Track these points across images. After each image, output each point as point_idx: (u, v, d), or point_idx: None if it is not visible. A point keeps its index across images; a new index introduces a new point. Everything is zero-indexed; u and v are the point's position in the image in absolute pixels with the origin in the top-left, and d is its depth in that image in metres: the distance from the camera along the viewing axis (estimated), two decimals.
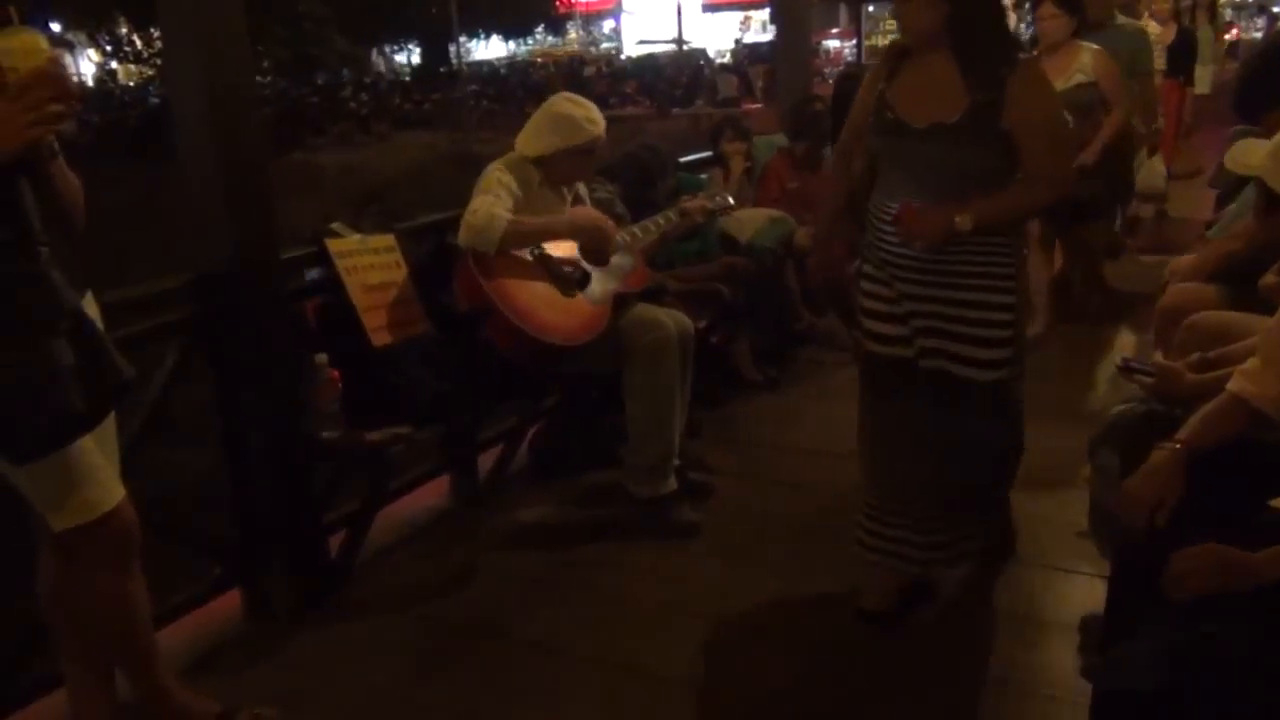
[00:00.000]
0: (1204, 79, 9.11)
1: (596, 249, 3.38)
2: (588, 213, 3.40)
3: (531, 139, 3.36)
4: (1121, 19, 5.43)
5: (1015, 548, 3.02)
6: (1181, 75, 7.58)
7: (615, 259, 3.42)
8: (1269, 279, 2.70)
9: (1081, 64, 4.64)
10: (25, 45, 1.73)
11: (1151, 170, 6.22)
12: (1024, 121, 2.46)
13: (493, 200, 3.17)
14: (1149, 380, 2.32)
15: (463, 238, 3.16)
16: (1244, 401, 1.96)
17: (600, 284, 3.36)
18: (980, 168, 2.52)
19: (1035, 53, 4.59)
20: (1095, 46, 4.71)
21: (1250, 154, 2.30)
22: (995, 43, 2.53)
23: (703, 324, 4.04)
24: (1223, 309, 2.92)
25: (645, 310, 3.41)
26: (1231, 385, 1.99)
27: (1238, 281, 3.00)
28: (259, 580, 2.98)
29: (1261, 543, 1.72)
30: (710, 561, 3.17)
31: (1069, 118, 4.38)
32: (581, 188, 3.60)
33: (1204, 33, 9.36)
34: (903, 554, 2.74)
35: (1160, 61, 6.41)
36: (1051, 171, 2.53)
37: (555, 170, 3.36)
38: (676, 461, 3.40)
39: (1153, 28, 6.48)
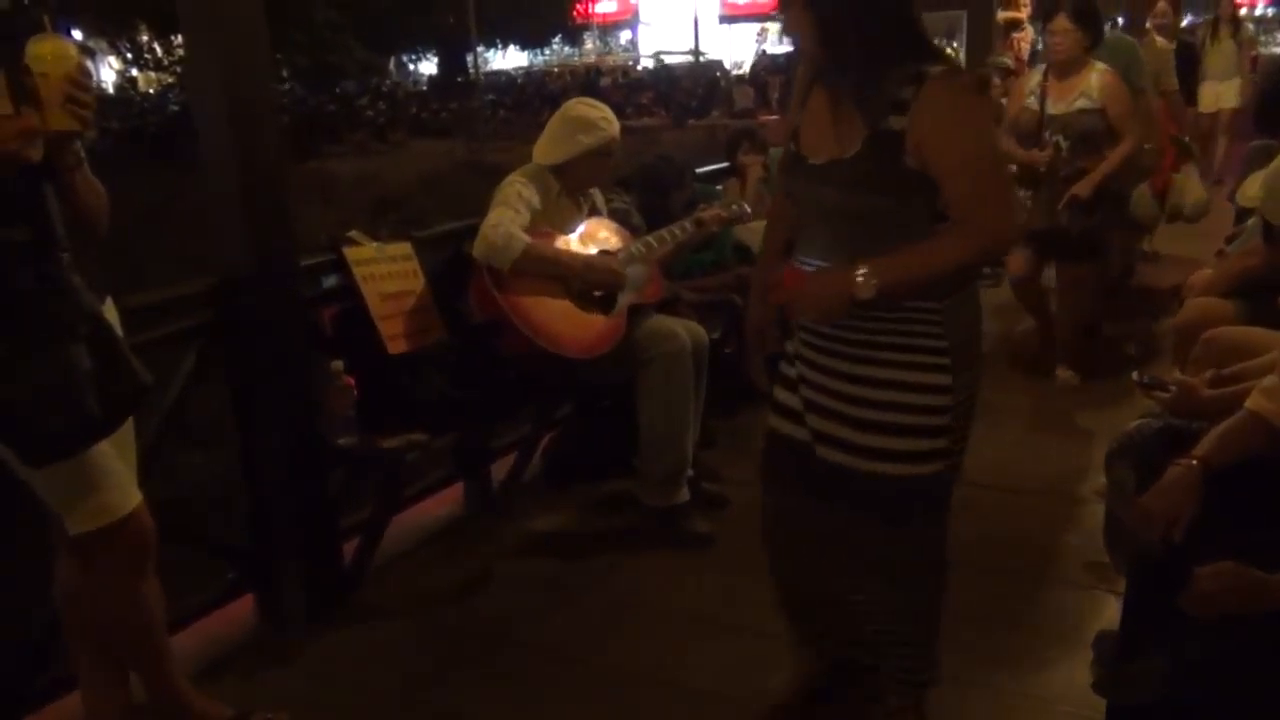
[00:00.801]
0: (1229, 94, 8.91)
1: (604, 292, 3.38)
2: (605, 261, 3.39)
3: (549, 145, 3.37)
4: (1109, 32, 5.15)
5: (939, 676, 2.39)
6: (1184, 93, 6.98)
7: (631, 270, 3.43)
8: None
9: (1088, 86, 4.29)
10: (56, 51, 1.76)
11: (1137, 199, 5.53)
12: (936, 156, 1.86)
13: (512, 216, 3.19)
14: (1166, 396, 2.32)
15: (478, 251, 3.18)
16: (1263, 419, 1.95)
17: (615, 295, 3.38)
18: (890, 216, 1.93)
19: (1045, 66, 4.48)
20: (1106, 67, 4.36)
21: (1251, 187, 2.31)
22: (887, 55, 1.92)
23: (716, 334, 4.04)
24: (1240, 324, 2.90)
25: (659, 321, 3.42)
26: (1250, 403, 1.98)
27: (1255, 297, 2.99)
28: (273, 585, 2.99)
29: (1276, 561, 1.72)
30: (722, 572, 3.16)
31: (1062, 144, 4.27)
32: (599, 199, 3.61)
33: (1227, 45, 9.14)
34: (818, 647, 2.43)
35: (1172, 78, 6.07)
36: (980, 220, 1.87)
37: (574, 175, 3.37)
38: (690, 472, 3.40)
39: (1159, 43, 6.20)
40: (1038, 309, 4.77)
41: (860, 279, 1.86)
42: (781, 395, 2.23)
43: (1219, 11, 9.52)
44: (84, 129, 1.82)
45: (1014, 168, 4.45)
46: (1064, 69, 4.34)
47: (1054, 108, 4.34)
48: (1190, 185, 5.58)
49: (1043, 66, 4.53)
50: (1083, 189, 4.24)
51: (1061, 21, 4.27)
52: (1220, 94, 9.10)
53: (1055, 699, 2.47)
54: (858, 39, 1.91)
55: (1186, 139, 5.71)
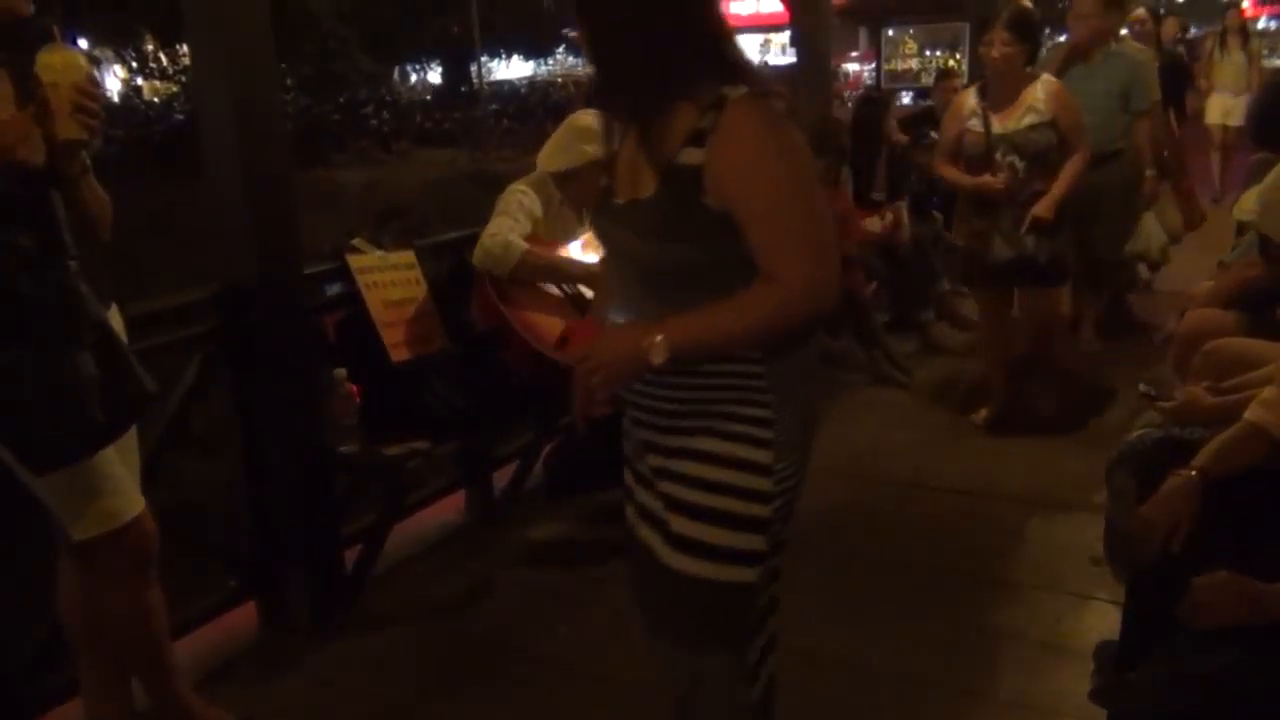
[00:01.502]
0: (1239, 110, 8.49)
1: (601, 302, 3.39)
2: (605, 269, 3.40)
3: (554, 152, 3.39)
4: (1115, 46, 4.82)
5: None
6: (1170, 108, 6.17)
7: None
8: None
9: (1033, 100, 3.94)
10: (66, 61, 1.79)
11: (1144, 228, 5.26)
12: (735, 196, 1.53)
13: (510, 224, 3.21)
14: (1169, 405, 2.32)
15: (477, 259, 3.20)
16: (1262, 431, 1.96)
17: None
18: (696, 267, 1.59)
19: (980, 82, 4.15)
20: (1048, 77, 4.05)
21: (1248, 201, 2.32)
22: (678, 74, 1.59)
23: None
24: (1241, 335, 2.91)
25: None
26: (1249, 415, 1.99)
27: (1256, 308, 2.99)
28: (275, 592, 3.00)
29: (1276, 571, 1.72)
30: None
31: (1017, 165, 3.91)
32: None
33: (1236, 57, 8.94)
34: None
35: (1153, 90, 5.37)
36: (786, 273, 1.52)
37: (577, 185, 3.38)
38: None
39: (1133, 46, 5.57)
40: (1000, 355, 4.34)
41: (652, 341, 1.54)
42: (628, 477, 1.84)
43: (1226, 22, 9.29)
44: (92, 138, 1.84)
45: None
46: (1004, 85, 3.99)
47: (1000, 127, 3.97)
48: (1164, 206, 5.34)
49: (979, 85, 4.16)
50: (1044, 210, 3.90)
51: (1001, 34, 3.92)
52: (1229, 109, 8.85)
53: (1056, 708, 2.47)
54: (629, 55, 1.61)
55: (1164, 154, 5.32)
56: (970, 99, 4.09)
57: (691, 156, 1.56)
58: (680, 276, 1.62)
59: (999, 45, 3.90)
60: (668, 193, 1.58)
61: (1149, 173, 4.84)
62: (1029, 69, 3.99)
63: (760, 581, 1.70)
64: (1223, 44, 9.12)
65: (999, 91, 4.00)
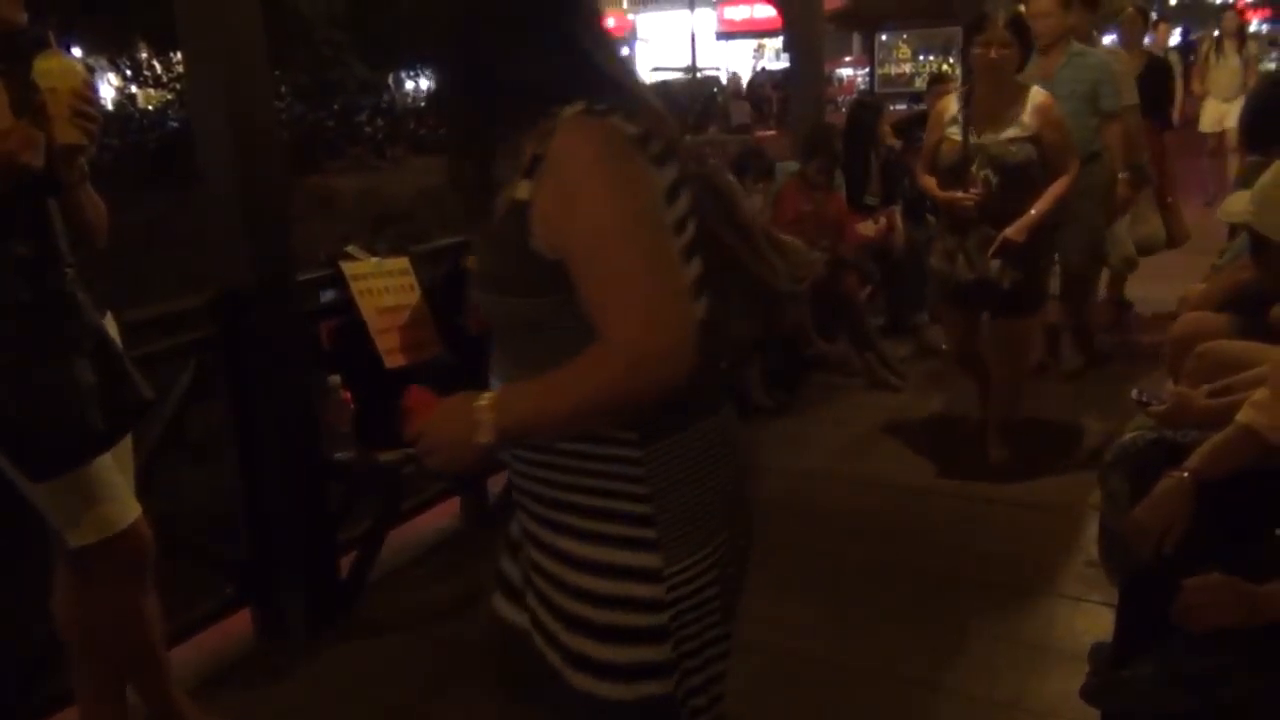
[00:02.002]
0: (1234, 114, 7.71)
1: None
2: None
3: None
4: (1078, 46, 4.56)
5: None
6: (1156, 116, 5.71)
7: None
8: (1278, 311, 2.71)
9: (1019, 112, 3.62)
10: (63, 67, 1.80)
11: (1110, 234, 4.91)
12: (559, 238, 1.26)
13: None
14: (1161, 409, 2.33)
15: (470, 261, 3.20)
16: (1254, 432, 1.96)
17: None
18: (541, 325, 1.33)
19: (965, 88, 3.86)
20: (1039, 89, 3.74)
21: (1236, 203, 2.33)
22: (508, 88, 1.32)
23: None
24: (1233, 338, 2.92)
25: None
26: (1241, 416, 2.00)
27: (1248, 310, 3.00)
28: (271, 599, 3.00)
29: (1268, 572, 1.73)
30: None
31: (991, 179, 3.56)
32: None
33: (1232, 61, 8.69)
34: None
35: (1130, 93, 5.04)
36: (619, 335, 1.24)
37: None
38: None
39: (1120, 56, 5.26)
40: (981, 373, 4.10)
41: (479, 418, 1.30)
42: (504, 561, 1.59)
43: (1223, 25, 8.99)
44: (90, 142, 1.85)
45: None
46: (991, 93, 3.67)
47: (980, 138, 3.65)
48: (1144, 214, 5.10)
49: (963, 90, 3.87)
50: (1017, 233, 3.57)
51: (998, 34, 3.59)
52: (1225, 114, 8.53)
53: (1052, 710, 2.48)
54: (456, 59, 1.38)
55: (1144, 162, 5.09)
56: (953, 105, 3.82)
57: (522, 190, 1.28)
58: (529, 337, 1.35)
59: (998, 48, 3.58)
60: (500, 234, 1.33)
61: (1121, 175, 4.65)
62: (1018, 78, 3.73)
63: (678, 696, 1.40)
64: (1218, 47, 8.85)
65: (984, 99, 3.69)
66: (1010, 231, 3.58)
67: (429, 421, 1.38)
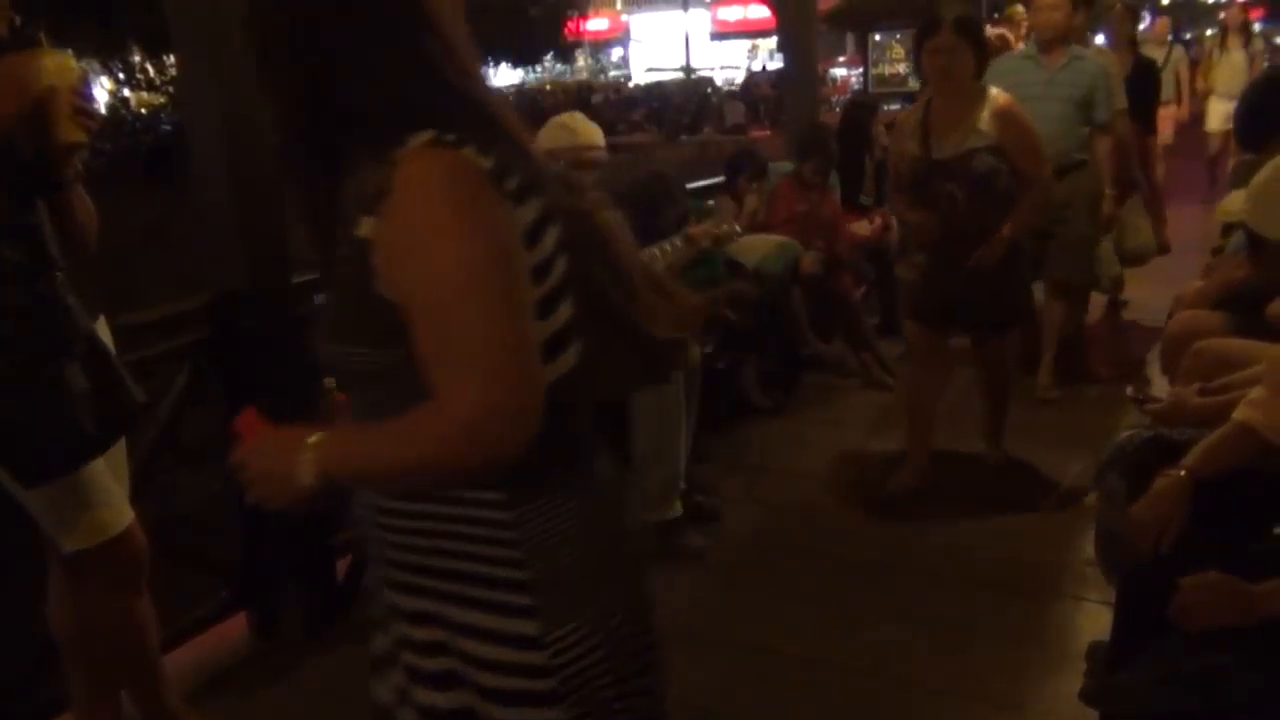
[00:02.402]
0: None
1: None
2: None
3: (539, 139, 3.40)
4: (1078, 49, 4.43)
5: None
6: (1142, 121, 5.48)
7: None
8: (1275, 308, 2.71)
9: (977, 118, 3.35)
10: (59, 64, 1.80)
11: (1100, 254, 4.71)
12: (399, 284, 1.13)
13: None
14: (1157, 407, 2.33)
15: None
16: (1251, 430, 1.97)
17: None
18: (382, 376, 1.20)
19: (924, 97, 3.56)
20: (998, 92, 3.45)
21: (1233, 201, 2.33)
22: (348, 114, 1.19)
23: (709, 349, 4.05)
24: (1229, 335, 2.92)
25: None
26: (1238, 414, 2.00)
27: (1243, 308, 3.01)
28: (267, 603, 2.99)
29: (1264, 571, 1.73)
30: (716, 586, 3.16)
31: (957, 194, 3.35)
32: None
33: (1237, 58, 8.40)
34: None
35: (1118, 96, 4.82)
36: (447, 394, 1.12)
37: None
38: (682, 486, 3.41)
39: (1113, 59, 5.09)
40: (922, 415, 3.75)
41: (304, 455, 1.19)
42: (377, 638, 1.43)
43: (1226, 21, 8.77)
44: (88, 139, 1.84)
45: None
46: (947, 100, 3.41)
47: (941, 150, 3.40)
48: (1134, 223, 4.90)
49: (922, 100, 3.57)
50: (987, 256, 3.36)
51: (947, 37, 3.31)
52: (1230, 113, 8.13)
53: (1050, 710, 2.48)
54: (284, 80, 1.23)
55: (1133, 169, 5.00)
56: (914, 115, 3.55)
57: (365, 228, 1.16)
58: (372, 390, 1.23)
59: (945, 53, 3.33)
60: (342, 276, 1.20)
61: (1108, 192, 4.50)
62: (979, 82, 3.46)
63: None
64: (1222, 44, 8.61)
65: (941, 108, 3.42)
66: (979, 255, 3.36)
67: (252, 450, 1.28)
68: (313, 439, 1.19)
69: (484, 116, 1.19)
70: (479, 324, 1.11)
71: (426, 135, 1.13)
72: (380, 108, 1.17)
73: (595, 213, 1.34)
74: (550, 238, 1.20)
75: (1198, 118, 8.85)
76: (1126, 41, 5.87)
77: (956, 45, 3.31)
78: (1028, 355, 4.61)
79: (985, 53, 3.44)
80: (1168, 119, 8.28)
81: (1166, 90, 8.21)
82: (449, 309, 1.11)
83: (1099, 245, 4.63)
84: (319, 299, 3.21)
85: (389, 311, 1.14)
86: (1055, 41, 4.38)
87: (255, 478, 1.26)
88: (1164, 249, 5.36)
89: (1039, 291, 4.52)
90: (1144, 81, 5.64)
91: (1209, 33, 9.12)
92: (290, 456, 1.20)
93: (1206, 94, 8.72)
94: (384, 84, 1.17)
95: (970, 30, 3.35)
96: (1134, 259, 5.00)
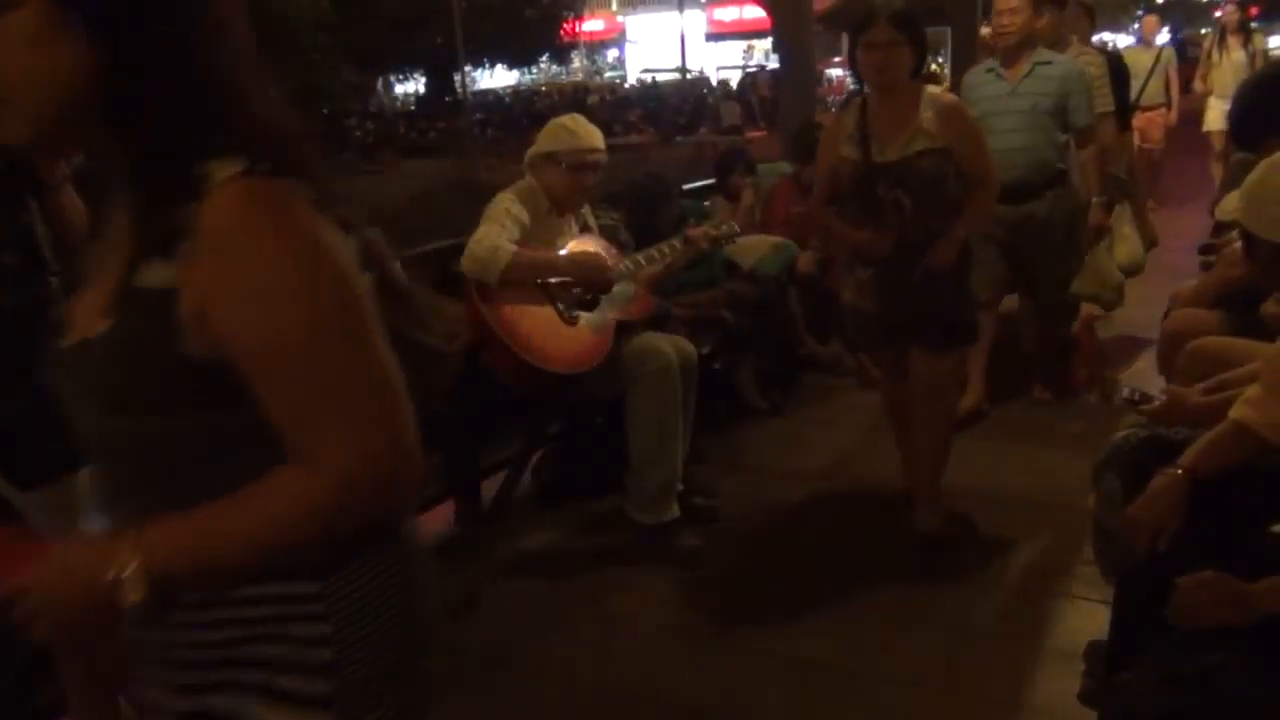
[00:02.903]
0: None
1: (595, 287, 3.41)
2: (588, 253, 3.43)
3: (535, 148, 3.45)
4: (1045, 53, 4.15)
5: None
6: (1116, 120, 5.09)
7: (617, 287, 3.45)
8: (1270, 307, 2.71)
9: (923, 119, 3.08)
10: None
11: (1093, 266, 4.37)
12: (228, 337, 0.99)
13: (498, 231, 3.21)
14: (1153, 407, 2.33)
15: (466, 266, 3.20)
16: (1247, 428, 1.97)
17: (601, 311, 3.40)
18: (183, 449, 1.04)
19: (860, 98, 3.23)
20: (938, 91, 3.31)
21: (1231, 200, 2.33)
22: (135, 140, 1.03)
23: (706, 350, 4.05)
24: (1225, 334, 2.93)
25: (646, 339, 3.43)
26: (1234, 413, 2.00)
27: (1239, 307, 3.01)
28: None
29: (1261, 569, 1.73)
30: (713, 586, 3.16)
31: (904, 201, 3.07)
32: (590, 217, 3.64)
33: (1237, 57, 8.02)
34: None
35: (1105, 97, 4.60)
36: (334, 447, 1.01)
37: (556, 184, 3.39)
38: (680, 486, 3.41)
39: (1093, 59, 4.74)
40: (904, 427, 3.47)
41: (121, 571, 0.98)
42: None
43: (1224, 19, 8.38)
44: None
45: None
46: (887, 100, 3.13)
47: (883, 154, 3.11)
48: (1121, 234, 4.57)
49: (858, 101, 3.24)
50: (939, 258, 3.09)
51: (884, 31, 3.03)
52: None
53: (1048, 710, 2.47)
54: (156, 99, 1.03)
55: (1122, 174, 4.70)
56: (849, 119, 3.23)
57: (155, 275, 0.99)
58: (164, 467, 1.05)
59: (881, 48, 3.04)
60: (121, 333, 1.01)
61: (1095, 200, 4.24)
62: (920, 80, 3.19)
63: None
64: (1221, 42, 8.25)
65: (880, 108, 3.14)
66: (932, 257, 3.08)
67: (39, 578, 1.03)
68: (123, 543, 0.99)
69: (292, 141, 1.07)
70: (340, 368, 1.01)
71: (234, 165, 1.00)
72: (173, 131, 1.02)
73: (371, 238, 1.21)
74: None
75: (1190, 118, 8.68)
76: (1084, 41, 5.35)
77: (894, 40, 3.02)
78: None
79: (925, 49, 3.15)
80: (1156, 123, 8.25)
81: (1155, 93, 8.18)
82: (304, 358, 0.99)
83: (1093, 257, 4.33)
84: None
85: (192, 373, 0.99)
86: (1017, 49, 4.12)
87: (48, 608, 1.03)
88: (1153, 241, 5.12)
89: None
90: (1116, 81, 5.22)
91: (1203, 31, 8.80)
92: (98, 571, 0.99)
93: (1206, 94, 8.41)
94: (177, 104, 1.01)
95: (909, 24, 3.05)
96: (1125, 271, 4.64)
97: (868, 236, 3.15)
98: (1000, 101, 4.11)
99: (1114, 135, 4.69)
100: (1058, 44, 4.46)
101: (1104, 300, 4.51)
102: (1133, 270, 4.62)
